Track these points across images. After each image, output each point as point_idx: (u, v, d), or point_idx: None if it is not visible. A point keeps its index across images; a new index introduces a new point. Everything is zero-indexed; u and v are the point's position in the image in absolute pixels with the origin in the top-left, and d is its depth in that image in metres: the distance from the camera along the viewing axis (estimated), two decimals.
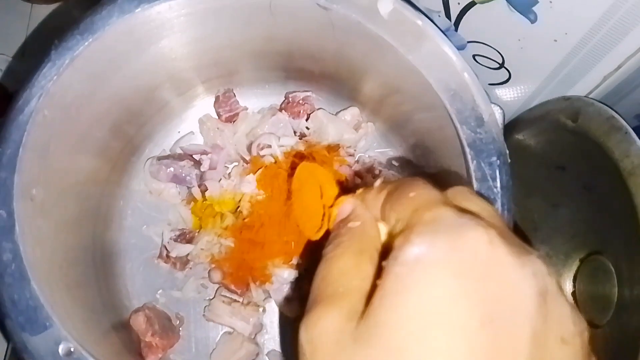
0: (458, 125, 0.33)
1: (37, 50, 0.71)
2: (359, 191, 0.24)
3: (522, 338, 0.17)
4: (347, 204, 0.24)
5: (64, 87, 0.35)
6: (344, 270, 0.21)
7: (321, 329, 0.19)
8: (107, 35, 0.35)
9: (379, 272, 0.19)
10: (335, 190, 0.28)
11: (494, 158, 0.33)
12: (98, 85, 0.38)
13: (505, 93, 0.56)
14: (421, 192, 0.21)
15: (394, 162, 0.51)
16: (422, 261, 0.18)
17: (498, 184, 0.33)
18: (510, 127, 0.55)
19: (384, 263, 0.19)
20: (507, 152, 0.35)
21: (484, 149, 0.33)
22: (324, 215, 0.27)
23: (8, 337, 0.32)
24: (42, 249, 0.35)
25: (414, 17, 0.36)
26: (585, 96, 0.50)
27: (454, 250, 0.18)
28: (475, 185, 0.32)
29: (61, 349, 0.32)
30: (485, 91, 0.57)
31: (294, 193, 0.30)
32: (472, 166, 0.33)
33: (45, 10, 0.73)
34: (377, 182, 0.23)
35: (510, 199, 0.33)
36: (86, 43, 0.34)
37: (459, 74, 0.36)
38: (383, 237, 0.22)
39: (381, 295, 0.18)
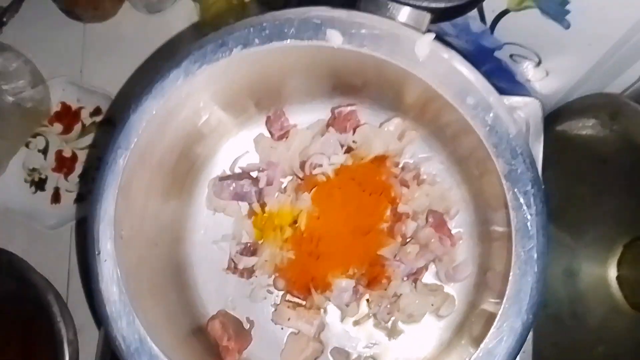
0: (494, 159, 0.36)
1: (95, 67, 0.76)
2: None
3: None
4: None
5: (140, 143, 0.39)
6: None
7: None
8: (174, 94, 0.39)
9: None
10: None
11: (529, 187, 0.36)
12: (166, 130, 0.43)
13: (544, 86, 0.57)
14: None
15: (439, 165, 0.53)
16: None
17: (533, 212, 0.36)
18: (552, 119, 0.56)
19: None
20: (541, 178, 0.37)
21: (519, 179, 0.36)
22: None
23: None
24: (134, 278, 0.40)
25: (442, 52, 0.38)
26: (623, 92, 0.51)
27: None
28: (511, 214, 0.35)
29: None
30: (524, 85, 0.59)
31: None
32: (508, 196, 0.36)
33: (98, 27, 0.78)
34: None
35: (545, 222, 0.36)
36: (158, 105, 0.39)
37: (490, 105, 0.38)
38: None
39: None
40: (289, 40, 0.40)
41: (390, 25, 0.41)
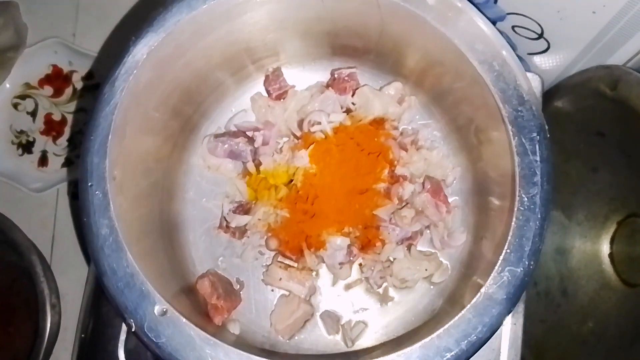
0: (501, 105, 0.36)
1: (89, 30, 0.75)
2: None
3: None
4: None
5: (139, 78, 0.38)
6: None
7: None
8: (176, 30, 0.38)
9: None
10: None
11: (535, 134, 0.36)
12: (164, 72, 0.42)
13: (544, 61, 0.57)
14: None
15: (436, 133, 0.53)
16: None
17: (538, 158, 0.35)
18: (550, 94, 0.56)
19: None
20: (547, 127, 0.37)
21: (525, 125, 0.36)
22: None
23: (109, 300, 0.37)
24: (124, 224, 0.39)
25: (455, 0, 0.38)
26: (623, 65, 0.51)
27: None
28: (516, 159, 0.35)
29: (157, 310, 0.37)
30: (525, 60, 0.59)
31: None
32: (513, 142, 0.35)
33: None
34: None
35: (551, 171, 0.36)
36: (160, 39, 0.38)
37: (499, 52, 0.38)
38: None
39: None
40: None
41: None
